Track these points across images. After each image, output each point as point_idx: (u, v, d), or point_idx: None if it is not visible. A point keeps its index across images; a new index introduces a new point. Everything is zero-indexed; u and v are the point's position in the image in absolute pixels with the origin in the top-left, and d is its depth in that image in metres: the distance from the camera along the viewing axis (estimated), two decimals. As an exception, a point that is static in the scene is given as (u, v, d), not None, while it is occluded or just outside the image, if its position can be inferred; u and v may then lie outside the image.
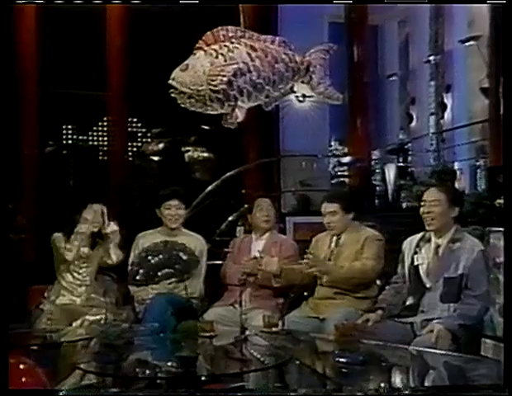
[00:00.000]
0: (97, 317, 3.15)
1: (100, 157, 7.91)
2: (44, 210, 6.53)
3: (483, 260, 2.77)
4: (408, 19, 9.82)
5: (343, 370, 2.19)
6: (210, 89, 3.23)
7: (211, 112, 3.40)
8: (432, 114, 8.83)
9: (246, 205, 6.65)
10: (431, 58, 8.51)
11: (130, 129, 8.21)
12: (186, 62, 3.33)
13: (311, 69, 3.62)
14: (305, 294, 3.29)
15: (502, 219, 2.35)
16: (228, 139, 8.02)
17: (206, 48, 3.34)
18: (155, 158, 8.55)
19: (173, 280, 3.15)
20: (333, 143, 9.24)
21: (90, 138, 8.31)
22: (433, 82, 8.73)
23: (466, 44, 7.50)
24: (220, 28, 3.43)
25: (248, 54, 3.34)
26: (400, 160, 6.95)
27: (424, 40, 9.02)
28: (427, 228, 2.89)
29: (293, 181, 7.86)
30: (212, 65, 3.26)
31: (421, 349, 2.51)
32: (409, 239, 2.99)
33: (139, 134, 8.73)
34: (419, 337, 2.67)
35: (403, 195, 6.30)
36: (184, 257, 3.06)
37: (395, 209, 6.16)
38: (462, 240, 2.83)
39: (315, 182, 7.90)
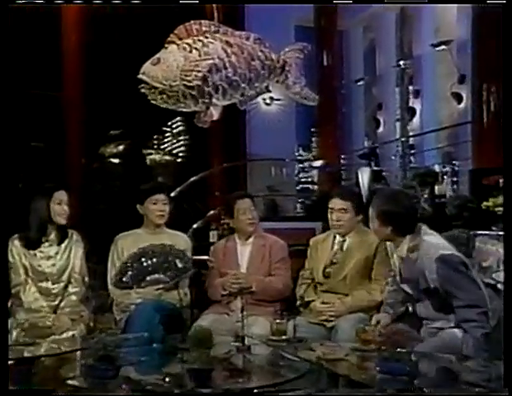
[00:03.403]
0: (80, 327, 2.94)
1: (56, 159, 7.65)
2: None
3: (447, 267, 2.46)
4: (373, 25, 9.99)
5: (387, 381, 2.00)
6: (184, 85, 3.12)
7: (184, 109, 3.29)
8: (398, 119, 8.98)
9: (212, 211, 6.61)
10: (401, 62, 8.67)
11: (87, 130, 7.97)
12: (157, 56, 3.21)
13: (287, 68, 3.55)
14: (307, 299, 3.13)
15: (503, 219, 2.32)
16: (192, 141, 7.94)
17: (178, 42, 3.23)
18: (115, 161, 8.35)
19: (161, 286, 2.99)
20: (300, 148, 9.27)
21: (46, 139, 8.04)
22: (401, 88, 8.89)
23: (438, 48, 7.67)
24: (193, 22, 3.33)
25: (224, 50, 3.25)
26: (372, 164, 6.99)
27: (391, 46, 9.19)
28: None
29: (260, 185, 7.80)
30: (186, 60, 3.15)
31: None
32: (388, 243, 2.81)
33: (98, 136, 8.50)
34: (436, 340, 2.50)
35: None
36: (179, 265, 2.89)
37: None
38: (419, 247, 2.58)
39: (282, 187, 7.87)
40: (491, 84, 5.40)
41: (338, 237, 3.18)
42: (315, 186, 9.55)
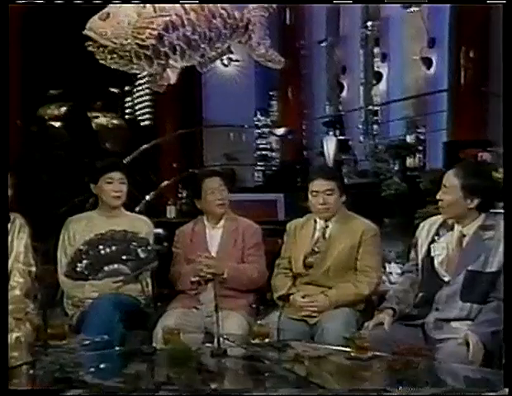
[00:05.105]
0: (26, 328, 2.61)
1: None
2: None
3: None
4: (338, -19, 9.79)
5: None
6: (137, 44, 2.90)
7: (138, 72, 3.10)
8: (363, 84, 8.92)
9: (166, 181, 6.40)
10: (368, 24, 8.58)
11: (23, 88, 7.51)
12: (106, 10, 2.96)
13: (251, 28, 3.39)
14: (285, 292, 2.91)
15: (504, 215, 2.24)
16: (143, 105, 7.62)
17: (130, -5, 3.03)
18: (56, 124, 7.94)
19: (121, 278, 2.77)
20: (258, 113, 9.10)
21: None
22: (366, 51, 8.81)
23: (408, 10, 7.58)
24: (148, -27, 3.13)
25: (182, 6, 3.07)
26: (337, 133, 6.87)
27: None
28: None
29: (217, 153, 7.62)
30: (139, 16, 2.93)
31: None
32: (427, 223, 2.67)
33: (36, 95, 8.02)
34: (445, 349, 2.35)
35: (345, 171, 6.18)
36: (142, 255, 2.67)
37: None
38: (496, 228, 2.48)
39: (241, 155, 7.72)
40: (470, 50, 5.31)
41: (319, 222, 2.99)
42: (273, 154, 9.46)
